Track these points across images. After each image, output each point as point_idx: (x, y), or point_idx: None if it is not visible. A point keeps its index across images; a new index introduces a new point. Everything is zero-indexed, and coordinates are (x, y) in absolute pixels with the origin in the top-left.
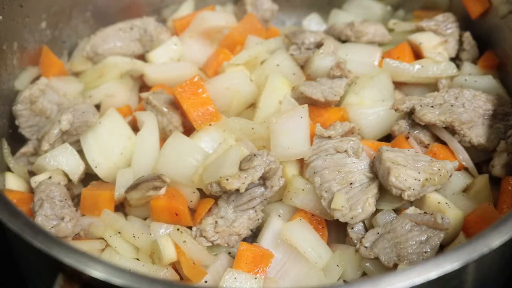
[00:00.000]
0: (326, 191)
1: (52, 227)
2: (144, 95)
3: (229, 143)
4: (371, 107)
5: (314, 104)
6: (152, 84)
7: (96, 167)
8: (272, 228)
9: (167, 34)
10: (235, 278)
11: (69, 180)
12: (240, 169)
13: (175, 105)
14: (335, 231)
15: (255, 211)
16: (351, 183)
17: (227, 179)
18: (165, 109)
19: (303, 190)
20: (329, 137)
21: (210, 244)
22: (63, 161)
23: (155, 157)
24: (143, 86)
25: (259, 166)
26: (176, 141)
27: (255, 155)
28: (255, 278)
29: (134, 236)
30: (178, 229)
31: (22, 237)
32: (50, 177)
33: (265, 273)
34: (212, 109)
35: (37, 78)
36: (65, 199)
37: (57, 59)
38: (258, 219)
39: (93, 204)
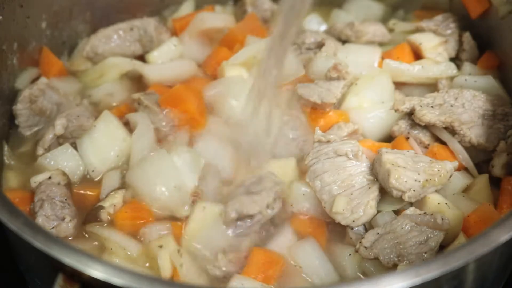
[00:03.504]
0: (326, 195)
1: (52, 228)
2: (135, 96)
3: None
4: (371, 109)
5: (312, 106)
6: (151, 84)
7: (93, 171)
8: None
9: (167, 35)
10: (242, 284)
11: (70, 180)
12: (250, 192)
13: None
14: (336, 230)
15: (257, 232)
16: (351, 186)
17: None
18: (157, 109)
19: (303, 195)
20: (329, 141)
21: (222, 275)
22: (64, 161)
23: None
24: (143, 86)
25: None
26: (158, 161)
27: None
28: (265, 285)
29: (125, 249)
30: (178, 251)
31: (22, 237)
32: (50, 177)
33: (274, 280)
34: (195, 116)
35: (37, 78)
36: (65, 199)
37: (57, 59)
38: (262, 238)
39: (81, 197)
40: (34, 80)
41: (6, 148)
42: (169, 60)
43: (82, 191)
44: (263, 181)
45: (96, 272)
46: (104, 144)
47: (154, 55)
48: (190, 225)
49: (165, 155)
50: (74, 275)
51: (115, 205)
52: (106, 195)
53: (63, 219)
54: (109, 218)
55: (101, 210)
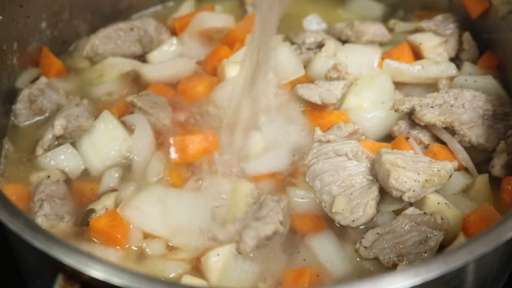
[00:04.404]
0: (326, 195)
1: (52, 227)
2: (128, 98)
3: None
4: (371, 109)
5: (312, 107)
6: (150, 83)
7: (93, 171)
8: None
9: (167, 35)
10: None
11: (68, 178)
12: (258, 218)
13: (161, 104)
14: (336, 228)
15: (281, 252)
16: (351, 186)
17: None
18: (150, 109)
19: (302, 199)
20: (329, 141)
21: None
22: (64, 161)
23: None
24: (142, 86)
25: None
26: (177, 199)
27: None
28: None
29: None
30: None
31: (22, 237)
32: (49, 177)
33: None
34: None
35: (37, 78)
36: (64, 197)
37: (57, 59)
38: (288, 254)
39: (79, 196)
40: (35, 80)
41: (5, 147)
42: (169, 60)
43: (82, 188)
44: (264, 205)
45: (96, 272)
46: (104, 145)
47: (154, 55)
48: (214, 279)
49: (184, 195)
50: (74, 275)
51: (107, 208)
52: (100, 196)
53: (62, 218)
54: None
55: (92, 214)
